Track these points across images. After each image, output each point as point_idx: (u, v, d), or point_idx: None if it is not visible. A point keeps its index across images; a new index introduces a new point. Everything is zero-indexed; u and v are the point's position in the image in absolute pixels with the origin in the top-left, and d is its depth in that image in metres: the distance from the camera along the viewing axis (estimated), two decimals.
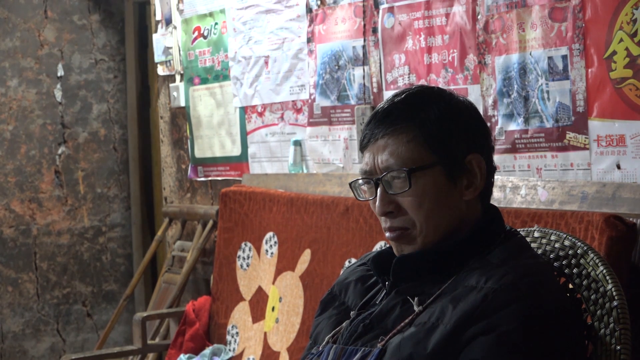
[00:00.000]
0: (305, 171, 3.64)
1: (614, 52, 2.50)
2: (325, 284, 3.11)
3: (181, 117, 4.49)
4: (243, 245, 3.64)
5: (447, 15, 2.99)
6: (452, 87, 2.95)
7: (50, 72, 4.81)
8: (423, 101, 1.65)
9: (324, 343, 1.69)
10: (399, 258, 1.63)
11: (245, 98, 3.91)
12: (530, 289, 1.48)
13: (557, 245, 1.75)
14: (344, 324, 1.70)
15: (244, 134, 3.97)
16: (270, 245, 3.48)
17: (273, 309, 3.39)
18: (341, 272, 2.52)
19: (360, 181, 1.69)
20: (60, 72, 4.83)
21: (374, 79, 3.28)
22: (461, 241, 1.60)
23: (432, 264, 1.60)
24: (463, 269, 1.57)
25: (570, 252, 1.71)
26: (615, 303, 1.59)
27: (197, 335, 3.75)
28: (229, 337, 3.63)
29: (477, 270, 1.54)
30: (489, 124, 2.79)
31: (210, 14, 4.13)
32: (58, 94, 4.83)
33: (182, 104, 4.38)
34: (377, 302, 1.68)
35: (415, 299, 1.58)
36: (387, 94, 3.20)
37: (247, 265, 3.60)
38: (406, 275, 1.63)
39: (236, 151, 4.04)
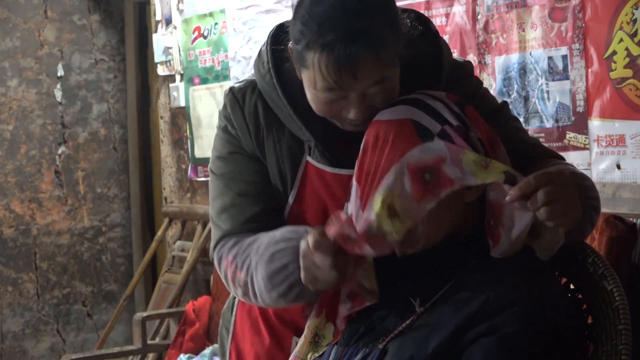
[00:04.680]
0: None
1: (614, 52, 2.50)
2: None
3: (181, 117, 4.49)
4: None
5: (447, 15, 2.99)
6: None
7: (50, 72, 4.81)
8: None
9: None
10: (400, 259, 1.63)
11: None
12: (531, 291, 1.48)
13: None
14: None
15: None
16: None
17: None
18: None
19: None
20: (60, 72, 4.83)
21: None
22: (462, 242, 1.60)
23: (434, 265, 1.60)
24: (464, 270, 1.57)
25: (570, 252, 1.71)
26: (615, 303, 1.58)
27: (197, 335, 3.76)
28: None
29: (478, 271, 1.54)
30: None
31: (210, 14, 4.13)
32: (58, 94, 4.83)
33: (182, 104, 4.38)
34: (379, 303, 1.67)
35: (417, 300, 1.58)
36: None
37: None
38: (407, 276, 1.63)
39: None
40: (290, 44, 1.66)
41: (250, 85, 1.80)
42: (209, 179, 1.94)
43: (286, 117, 1.75)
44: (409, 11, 1.75)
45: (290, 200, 1.79)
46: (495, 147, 1.59)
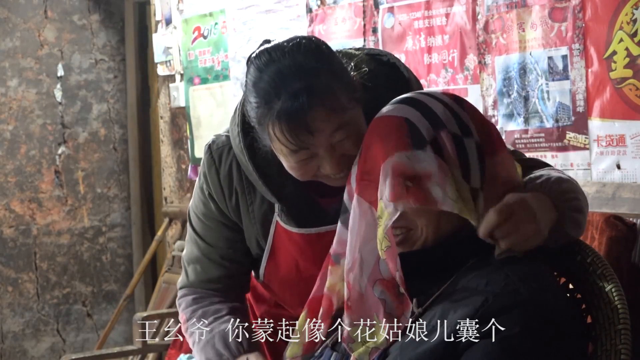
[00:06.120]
0: None
1: (614, 52, 2.50)
2: None
3: (181, 117, 4.49)
4: None
5: (447, 15, 2.99)
6: (452, 87, 2.95)
7: (50, 72, 4.81)
8: None
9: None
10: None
11: None
12: (531, 294, 1.47)
13: None
14: None
15: None
16: None
17: None
18: None
19: None
20: (60, 72, 4.83)
21: None
22: (461, 241, 1.59)
23: (432, 264, 1.60)
24: (463, 269, 1.57)
25: (569, 251, 1.71)
26: (615, 303, 1.58)
27: None
28: None
29: (476, 272, 1.53)
30: None
31: (210, 14, 4.13)
32: (58, 94, 4.83)
33: (182, 104, 4.38)
34: None
35: (414, 300, 1.57)
36: None
37: None
38: (405, 275, 1.62)
39: None
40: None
41: (227, 145, 1.84)
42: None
43: (255, 180, 1.79)
44: (381, 55, 1.82)
45: (265, 258, 1.87)
46: (497, 152, 1.56)
